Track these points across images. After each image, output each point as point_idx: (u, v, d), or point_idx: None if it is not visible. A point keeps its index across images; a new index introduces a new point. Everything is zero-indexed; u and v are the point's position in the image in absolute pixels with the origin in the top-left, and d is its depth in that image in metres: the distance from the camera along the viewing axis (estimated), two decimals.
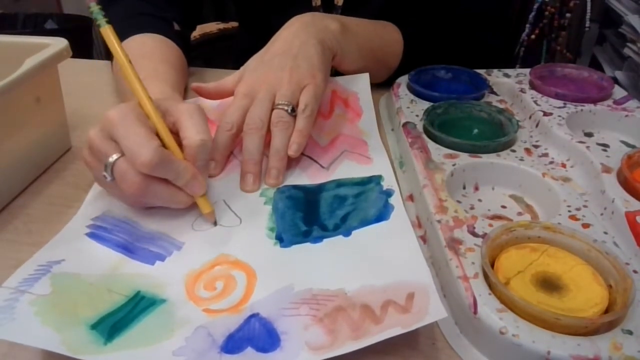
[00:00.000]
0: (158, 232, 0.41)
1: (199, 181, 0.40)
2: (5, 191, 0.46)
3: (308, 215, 0.42)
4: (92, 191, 0.44)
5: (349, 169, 0.47)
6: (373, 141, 0.51)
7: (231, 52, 0.97)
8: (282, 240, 0.40)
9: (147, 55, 0.57)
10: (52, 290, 0.34)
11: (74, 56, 0.51)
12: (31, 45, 0.49)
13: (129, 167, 0.38)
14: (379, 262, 0.36)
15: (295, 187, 0.46)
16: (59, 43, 0.49)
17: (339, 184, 0.46)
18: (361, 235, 0.39)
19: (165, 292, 0.35)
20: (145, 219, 0.42)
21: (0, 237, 0.42)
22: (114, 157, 0.38)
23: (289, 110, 0.47)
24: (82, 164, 0.51)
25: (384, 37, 0.63)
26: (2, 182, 0.45)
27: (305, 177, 0.47)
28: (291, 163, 0.48)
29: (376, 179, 0.45)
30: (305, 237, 0.40)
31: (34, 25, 1.82)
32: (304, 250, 0.39)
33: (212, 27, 1.51)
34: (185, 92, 0.65)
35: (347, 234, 0.40)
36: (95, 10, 0.40)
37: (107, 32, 0.41)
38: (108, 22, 0.41)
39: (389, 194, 0.43)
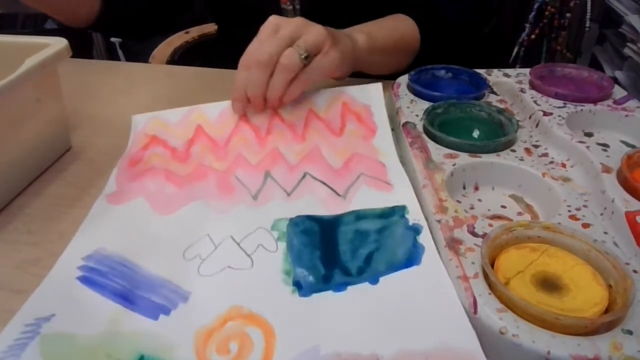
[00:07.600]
0: (160, 277, 0.36)
1: None
2: (5, 191, 0.46)
3: (327, 255, 0.38)
4: (83, 226, 0.41)
5: (367, 197, 0.43)
6: (391, 162, 0.47)
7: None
8: (301, 287, 0.35)
9: None
10: None
11: (74, 56, 0.51)
12: (31, 45, 0.49)
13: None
14: (416, 320, 0.32)
15: (309, 217, 0.41)
16: (59, 43, 0.49)
17: (358, 215, 0.41)
18: (390, 283, 0.35)
19: (172, 355, 0.31)
20: (144, 261, 0.38)
21: (0, 237, 0.42)
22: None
23: (303, 56, 0.46)
24: (82, 163, 0.51)
25: (399, 27, 0.64)
26: (2, 182, 0.45)
27: (321, 206, 0.43)
28: (304, 190, 0.45)
29: (400, 211, 0.41)
30: (326, 282, 0.36)
31: (34, 25, 1.82)
32: (327, 300, 0.34)
33: (211, 27, 1.50)
34: (186, 93, 0.65)
35: (373, 280, 0.35)
36: None
37: None
38: None
39: (417, 230, 0.38)
